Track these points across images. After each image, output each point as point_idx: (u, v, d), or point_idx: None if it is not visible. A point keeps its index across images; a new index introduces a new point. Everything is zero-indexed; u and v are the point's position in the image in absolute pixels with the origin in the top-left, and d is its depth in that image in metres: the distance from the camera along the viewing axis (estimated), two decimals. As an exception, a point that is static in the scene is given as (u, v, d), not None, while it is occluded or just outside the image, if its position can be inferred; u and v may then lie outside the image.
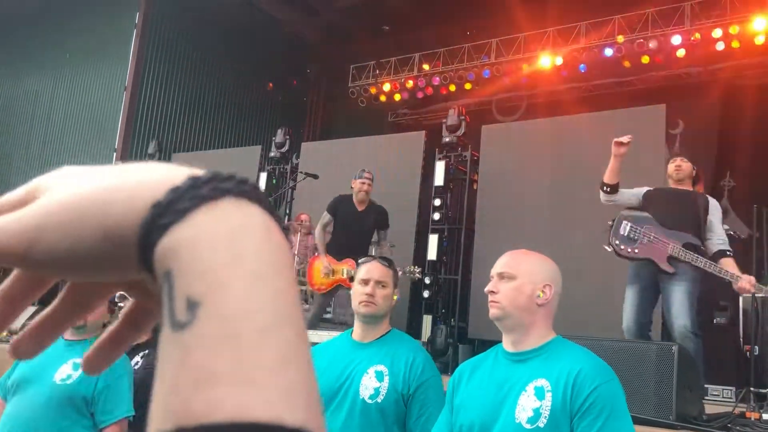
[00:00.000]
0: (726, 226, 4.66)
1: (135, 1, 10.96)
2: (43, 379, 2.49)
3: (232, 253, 0.29)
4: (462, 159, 7.75)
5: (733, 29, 7.88)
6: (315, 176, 6.57)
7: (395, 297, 2.35)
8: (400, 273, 5.96)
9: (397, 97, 10.64)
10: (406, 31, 11.28)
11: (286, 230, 0.33)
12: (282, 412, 0.26)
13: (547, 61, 9.20)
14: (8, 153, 12.51)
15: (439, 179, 7.57)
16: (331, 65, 12.79)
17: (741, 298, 4.37)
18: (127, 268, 0.32)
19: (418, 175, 7.75)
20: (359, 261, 2.42)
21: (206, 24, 11.22)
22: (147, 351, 3.12)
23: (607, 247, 4.22)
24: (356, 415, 2.15)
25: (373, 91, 10.64)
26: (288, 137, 8.93)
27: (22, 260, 0.32)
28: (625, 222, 4.11)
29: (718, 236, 4.11)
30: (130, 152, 10.77)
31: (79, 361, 2.38)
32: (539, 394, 1.69)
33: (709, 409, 3.60)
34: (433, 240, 7.43)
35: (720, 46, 8.13)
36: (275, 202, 8.48)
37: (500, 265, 1.87)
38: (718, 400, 4.73)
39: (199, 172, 0.32)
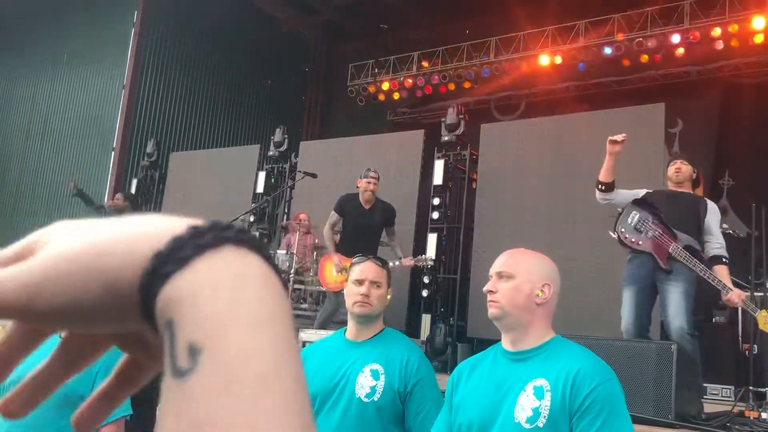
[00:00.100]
0: (725, 225, 4.66)
1: (133, 0, 10.95)
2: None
3: (234, 301, 0.29)
4: (461, 158, 7.74)
5: (732, 28, 7.90)
6: (314, 175, 6.56)
7: (389, 297, 2.34)
8: (413, 263, 6.01)
9: (396, 95, 10.64)
10: (406, 30, 11.29)
11: (285, 281, 0.33)
12: None
13: (546, 59, 9.21)
14: (6, 153, 12.49)
15: (438, 178, 7.56)
16: (330, 64, 12.80)
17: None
18: (127, 319, 0.32)
19: (417, 174, 7.74)
20: (353, 261, 2.41)
21: (205, 23, 11.22)
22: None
23: (612, 233, 4.20)
24: (352, 414, 2.15)
25: (372, 89, 10.63)
26: (286, 136, 8.93)
27: (23, 313, 0.32)
28: (634, 212, 4.09)
29: (716, 239, 4.09)
30: (129, 152, 10.77)
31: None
32: (538, 393, 1.68)
33: (708, 408, 3.60)
34: (432, 239, 7.42)
35: (719, 45, 8.14)
36: (274, 201, 8.47)
37: (499, 264, 1.86)
38: (717, 399, 4.73)
39: (198, 221, 0.32)
